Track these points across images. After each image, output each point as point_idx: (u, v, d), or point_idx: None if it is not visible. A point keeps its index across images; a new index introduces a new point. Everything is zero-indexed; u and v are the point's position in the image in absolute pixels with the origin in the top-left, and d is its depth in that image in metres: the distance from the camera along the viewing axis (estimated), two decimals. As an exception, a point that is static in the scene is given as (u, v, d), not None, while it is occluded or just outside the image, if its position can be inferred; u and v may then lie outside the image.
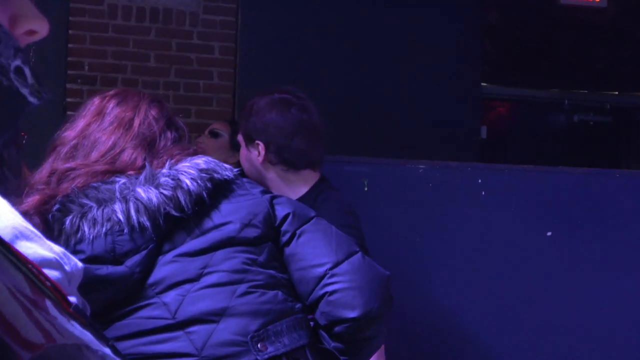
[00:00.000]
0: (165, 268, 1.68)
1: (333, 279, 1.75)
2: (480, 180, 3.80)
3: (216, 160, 1.79)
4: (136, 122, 1.82)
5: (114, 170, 1.73)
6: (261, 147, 2.66)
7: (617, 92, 6.05)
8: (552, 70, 5.88)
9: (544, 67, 5.87)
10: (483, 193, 3.79)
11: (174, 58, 5.09)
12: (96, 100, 1.87)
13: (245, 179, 1.86)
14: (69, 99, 4.93)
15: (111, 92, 1.90)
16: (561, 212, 3.85)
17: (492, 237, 3.81)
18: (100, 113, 1.84)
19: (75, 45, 4.97)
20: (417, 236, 3.72)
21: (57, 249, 1.10)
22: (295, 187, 2.67)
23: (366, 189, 3.69)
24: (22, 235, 0.82)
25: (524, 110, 6.15)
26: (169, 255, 1.69)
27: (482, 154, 5.40)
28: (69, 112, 4.87)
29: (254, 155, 2.68)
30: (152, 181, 1.70)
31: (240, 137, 2.75)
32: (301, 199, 2.57)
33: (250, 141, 2.69)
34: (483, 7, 5.60)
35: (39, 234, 1.03)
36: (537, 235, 3.81)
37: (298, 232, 1.79)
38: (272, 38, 5.19)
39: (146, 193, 1.67)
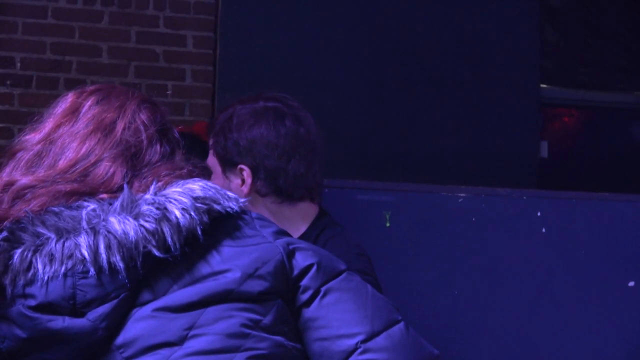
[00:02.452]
0: (140, 325, 1.68)
1: (366, 356, 1.75)
2: (539, 213, 3.83)
3: (217, 187, 1.80)
4: (119, 126, 1.83)
5: (82, 192, 1.74)
6: (246, 172, 2.67)
7: None
8: (635, 67, 5.89)
9: (623, 62, 5.88)
10: (543, 230, 3.83)
11: (134, 52, 5.13)
12: (70, 97, 1.89)
13: (254, 214, 1.86)
14: (-5, 106, 4.97)
15: (91, 88, 1.92)
16: (648, 255, 3.86)
17: (556, 288, 3.83)
18: (74, 112, 1.86)
19: (3, 36, 5.01)
20: (457, 287, 3.76)
21: None
22: (291, 224, 2.67)
23: (388, 224, 3.71)
24: None
25: (597, 120, 6.14)
26: (147, 309, 1.69)
27: (541, 179, 5.42)
28: (-6, 124, 4.93)
29: (236, 184, 2.69)
30: (131, 209, 1.70)
31: (213, 161, 2.74)
32: (300, 238, 2.54)
33: (230, 165, 2.70)
34: (542, -16, 5.63)
35: None
36: (616, 285, 3.85)
37: (323, 289, 1.79)
38: (262, 26, 5.22)
39: (121, 224, 1.67)
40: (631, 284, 3.84)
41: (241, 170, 2.67)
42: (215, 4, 5.22)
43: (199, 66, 5.19)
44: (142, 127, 1.86)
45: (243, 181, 2.67)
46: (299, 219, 2.72)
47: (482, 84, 5.39)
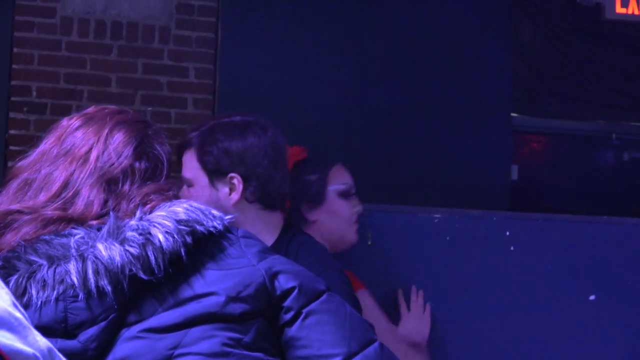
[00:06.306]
0: (128, 345, 1.66)
1: None
2: (508, 233, 3.83)
3: (202, 207, 1.76)
4: (93, 155, 1.78)
5: (69, 219, 1.71)
6: (237, 180, 2.58)
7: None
8: (597, 98, 5.88)
9: (587, 94, 5.87)
10: (512, 248, 3.83)
11: (140, 82, 5.13)
12: (64, 120, 1.87)
13: (241, 232, 1.81)
14: (12, 131, 4.96)
15: (80, 113, 1.88)
16: (607, 271, 3.87)
17: (524, 302, 3.82)
18: (60, 137, 1.82)
19: (20, 67, 5.01)
20: (432, 301, 3.71)
21: (43, 344, 1.22)
22: (268, 230, 2.64)
23: (370, 243, 3.70)
24: (3, 324, 0.94)
25: (563, 147, 6.11)
26: (134, 329, 1.67)
27: (512, 200, 5.39)
28: (11, 147, 4.92)
29: (224, 193, 2.60)
30: (117, 235, 1.67)
31: (197, 172, 2.62)
32: (273, 245, 2.55)
33: (218, 175, 2.60)
34: (514, 22, 5.63)
35: (27, 324, 1.18)
36: (578, 299, 3.83)
37: (305, 311, 1.76)
38: (259, 59, 5.21)
39: (108, 250, 1.64)
40: (592, 297, 3.84)
41: (231, 178, 2.58)
42: (214, 38, 5.22)
43: (200, 95, 5.20)
44: (113, 153, 1.79)
45: (232, 189, 2.59)
46: (274, 226, 2.68)
47: (458, 113, 5.36)
